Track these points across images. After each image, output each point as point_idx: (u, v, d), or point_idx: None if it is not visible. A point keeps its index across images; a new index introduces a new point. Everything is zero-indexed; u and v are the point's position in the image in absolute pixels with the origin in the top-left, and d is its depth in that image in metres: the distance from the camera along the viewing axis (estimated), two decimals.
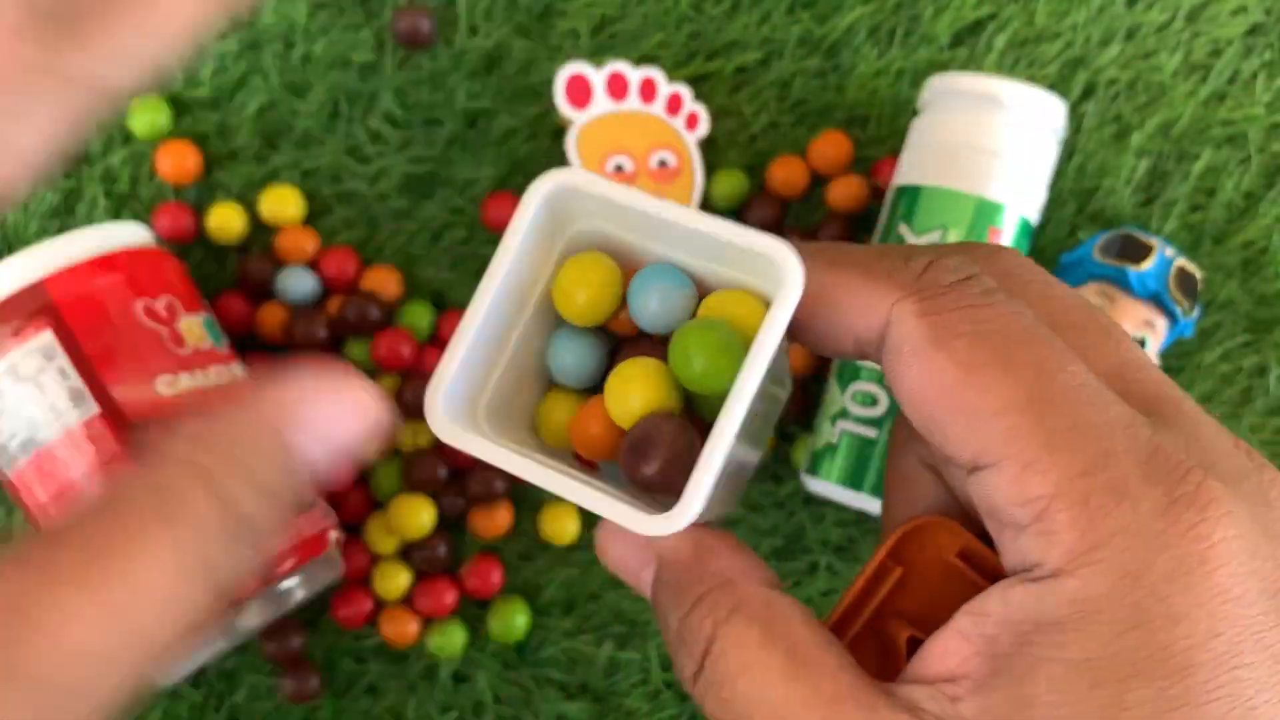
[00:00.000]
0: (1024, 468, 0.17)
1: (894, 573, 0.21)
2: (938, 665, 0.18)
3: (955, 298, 0.18)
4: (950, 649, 0.18)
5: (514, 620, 0.42)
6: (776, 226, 0.44)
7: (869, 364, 0.39)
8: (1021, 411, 0.17)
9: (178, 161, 0.43)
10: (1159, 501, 0.17)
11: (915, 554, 0.21)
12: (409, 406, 0.42)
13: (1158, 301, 0.40)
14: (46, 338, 0.36)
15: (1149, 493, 0.17)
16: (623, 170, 0.43)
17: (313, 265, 0.43)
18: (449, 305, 0.44)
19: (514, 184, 0.44)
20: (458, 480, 0.43)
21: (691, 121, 0.43)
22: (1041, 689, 0.17)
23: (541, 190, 0.21)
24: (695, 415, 0.21)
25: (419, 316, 0.43)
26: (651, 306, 0.20)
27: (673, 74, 0.43)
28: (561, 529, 0.43)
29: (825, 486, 0.40)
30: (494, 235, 0.43)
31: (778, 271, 0.19)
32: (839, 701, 0.18)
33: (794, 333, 0.20)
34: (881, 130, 0.44)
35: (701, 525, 0.20)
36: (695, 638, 0.19)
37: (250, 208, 0.44)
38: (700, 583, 0.20)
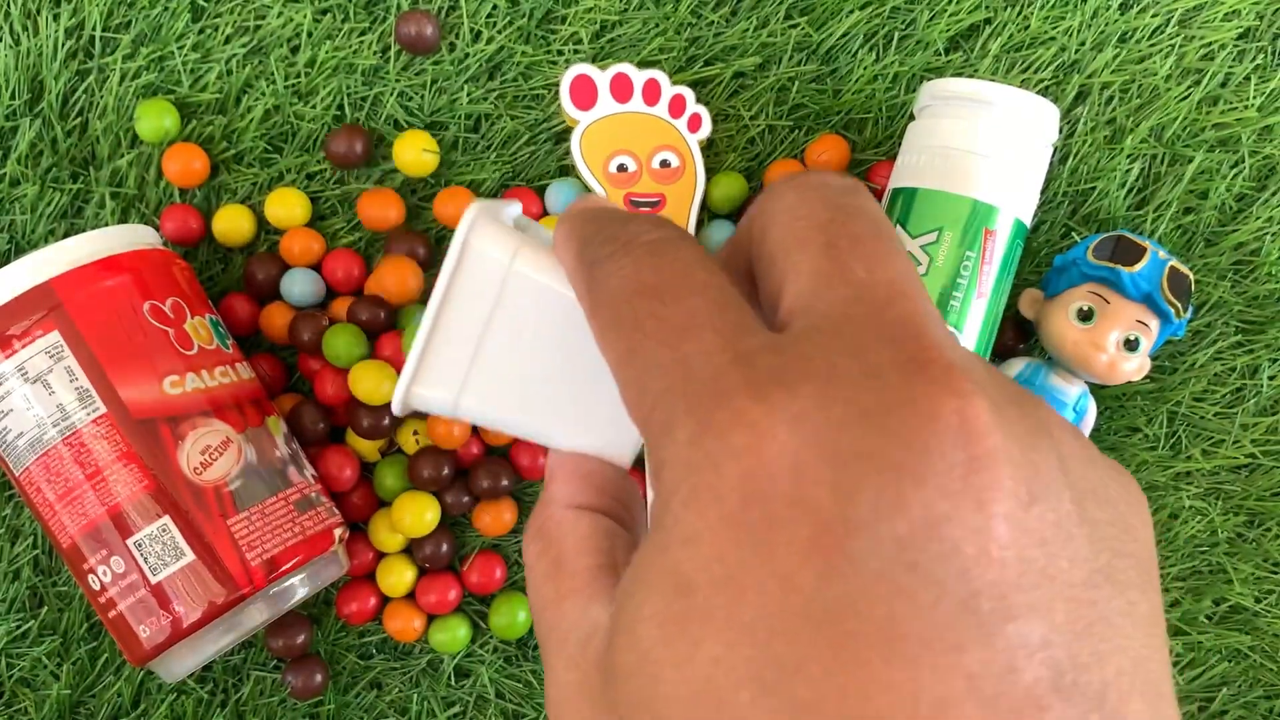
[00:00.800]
0: (631, 414, 0.18)
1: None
2: None
3: (604, 266, 0.20)
4: None
5: (515, 616, 0.43)
6: None
7: None
8: (624, 364, 0.18)
9: (185, 164, 0.43)
10: (690, 430, 0.17)
11: None
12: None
13: (1150, 303, 0.41)
14: (54, 338, 0.36)
15: (684, 421, 0.17)
16: (626, 170, 0.43)
17: (317, 267, 0.44)
18: None
19: (516, 187, 0.44)
20: (462, 478, 0.43)
21: (694, 123, 0.43)
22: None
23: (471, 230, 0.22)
24: None
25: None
26: None
27: (673, 79, 0.44)
28: None
29: None
30: None
31: None
32: (573, 593, 0.20)
33: None
34: (878, 134, 0.45)
35: (565, 454, 0.22)
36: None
37: (256, 210, 0.44)
38: (538, 504, 0.23)
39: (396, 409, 0.22)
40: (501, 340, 0.22)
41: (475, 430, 0.44)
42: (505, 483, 0.43)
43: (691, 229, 0.43)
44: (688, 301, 0.18)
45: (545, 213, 0.44)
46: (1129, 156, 0.45)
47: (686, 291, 0.18)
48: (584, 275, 0.20)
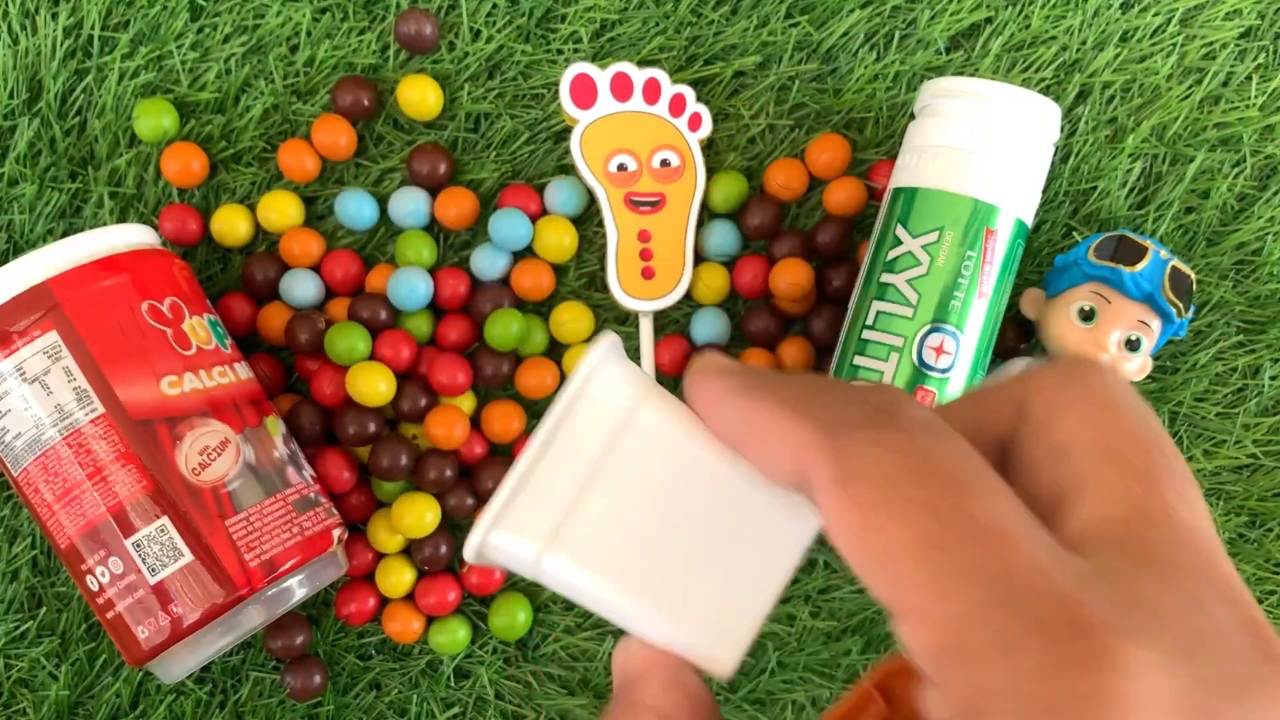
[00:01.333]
0: (919, 617, 0.16)
1: (874, 705, 0.19)
2: None
3: (864, 439, 0.17)
4: None
5: (515, 617, 0.43)
6: (775, 228, 0.44)
7: (869, 363, 0.39)
8: (917, 557, 0.16)
9: (183, 164, 0.43)
10: (1042, 660, 0.15)
11: (902, 691, 0.19)
12: (406, 413, 0.42)
13: (1152, 303, 0.41)
14: (52, 338, 0.36)
15: (1033, 648, 0.15)
16: (626, 169, 0.43)
17: (316, 268, 0.44)
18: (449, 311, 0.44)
19: (515, 185, 0.44)
20: (465, 480, 0.43)
21: (694, 122, 0.43)
22: None
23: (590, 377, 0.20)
24: None
25: (421, 321, 0.43)
26: None
27: (673, 78, 0.44)
28: None
29: None
30: (498, 239, 0.43)
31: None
32: None
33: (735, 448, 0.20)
34: (878, 133, 0.45)
35: (655, 649, 0.19)
36: None
37: (254, 210, 0.44)
38: (617, 707, 0.19)
39: (470, 557, 0.19)
40: (609, 495, 0.19)
41: (477, 427, 0.43)
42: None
43: (691, 229, 0.43)
44: (992, 502, 0.16)
45: (545, 211, 0.44)
46: (1130, 156, 0.45)
47: (988, 490, 0.17)
48: (825, 443, 0.17)
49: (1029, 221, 0.41)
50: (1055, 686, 0.15)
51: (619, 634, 0.43)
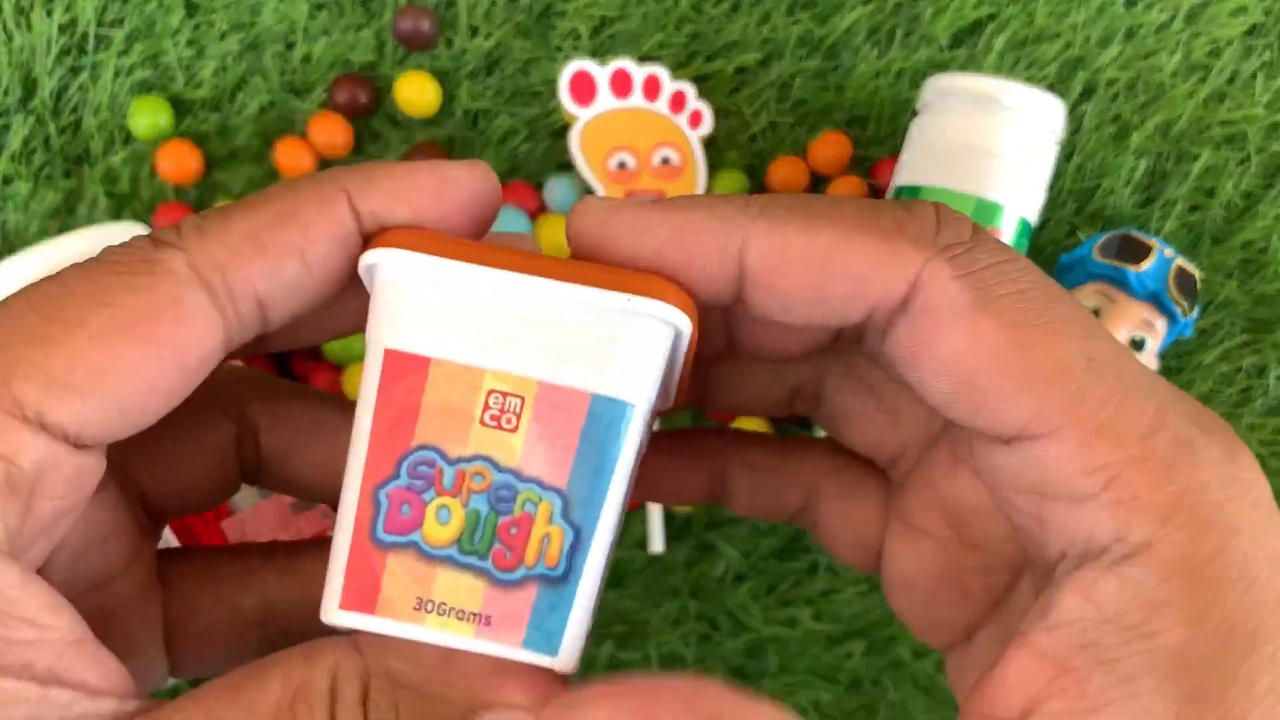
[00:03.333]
0: (1091, 433, 0.16)
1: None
2: (1015, 697, 0.16)
3: (984, 254, 0.17)
4: (1029, 673, 0.16)
5: None
6: None
7: None
8: (1083, 373, 0.16)
9: (179, 162, 0.43)
10: (1222, 446, 0.16)
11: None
12: None
13: (1157, 302, 0.40)
14: None
15: (1211, 440, 0.16)
16: (626, 167, 0.43)
17: None
18: None
19: (514, 182, 0.44)
20: None
21: (695, 119, 0.43)
22: (1149, 688, 0.15)
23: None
24: None
25: None
26: None
27: (673, 74, 0.43)
28: None
29: None
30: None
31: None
32: None
33: (772, 307, 0.19)
34: (881, 131, 0.44)
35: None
36: None
37: None
38: None
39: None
40: None
41: None
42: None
43: None
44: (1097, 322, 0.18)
45: (544, 209, 0.44)
46: (1135, 154, 0.45)
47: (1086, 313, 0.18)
48: (944, 263, 0.17)
49: (1033, 220, 0.41)
50: (1237, 469, 0.16)
51: (619, 638, 0.43)
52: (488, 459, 0.19)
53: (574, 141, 0.43)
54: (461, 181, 0.19)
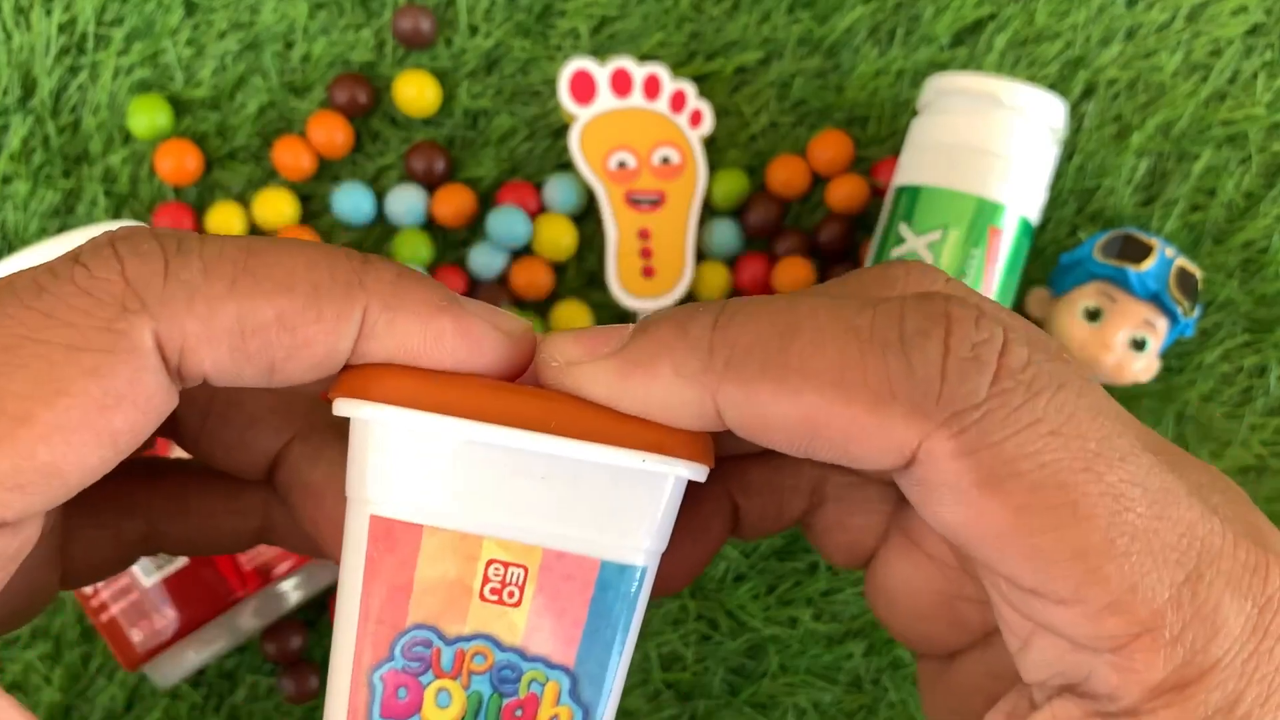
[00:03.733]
0: (1103, 609, 0.15)
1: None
2: None
3: (999, 424, 0.15)
4: None
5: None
6: (777, 226, 0.43)
7: None
8: (1100, 556, 0.15)
9: (178, 161, 0.43)
10: (1249, 617, 0.15)
11: None
12: None
13: (1158, 301, 0.40)
14: None
15: (1242, 610, 0.15)
16: (626, 167, 0.43)
17: None
18: None
19: (514, 182, 0.44)
20: None
21: (695, 119, 0.43)
22: None
23: None
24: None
25: None
26: None
27: (673, 74, 0.43)
28: None
29: None
30: (496, 237, 0.43)
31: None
32: None
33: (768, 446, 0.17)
34: (882, 130, 0.44)
35: None
36: None
37: (250, 208, 0.44)
38: None
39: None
40: None
41: None
42: None
43: (692, 227, 0.43)
44: (1136, 461, 0.16)
45: (544, 209, 0.44)
46: (1136, 153, 0.44)
47: (1126, 450, 0.15)
48: (945, 439, 0.15)
49: (1034, 220, 0.40)
50: (1259, 639, 0.15)
51: None
52: (489, 637, 0.17)
53: (574, 141, 0.42)
54: (489, 351, 0.17)
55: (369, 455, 0.17)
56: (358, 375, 0.17)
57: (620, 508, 0.17)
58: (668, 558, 0.19)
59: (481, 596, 0.17)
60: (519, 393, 0.17)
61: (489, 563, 0.17)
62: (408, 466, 0.17)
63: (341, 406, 0.17)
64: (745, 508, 0.22)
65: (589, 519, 0.17)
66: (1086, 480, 0.15)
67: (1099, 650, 0.15)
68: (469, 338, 0.16)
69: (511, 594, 0.17)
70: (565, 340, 0.17)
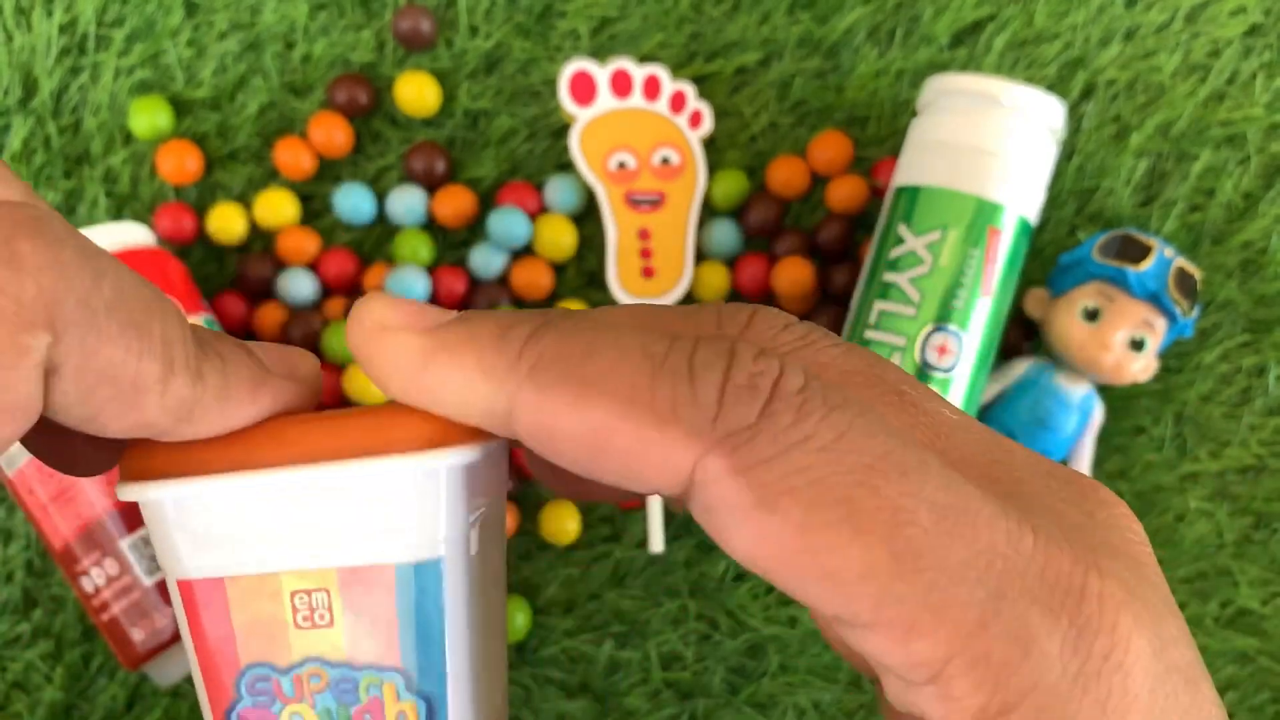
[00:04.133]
0: (906, 632, 0.15)
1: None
2: None
3: (769, 440, 0.15)
4: None
5: (514, 620, 0.43)
6: (776, 226, 0.44)
7: None
8: (888, 572, 0.15)
9: (178, 162, 0.43)
10: (1066, 636, 0.15)
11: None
12: None
13: (1157, 302, 0.40)
14: None
15: (1054, 629, 0.15)
16: (626, 167, 0.43)
17: (313, 266, 0.43)
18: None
19: (514, 182, 0.44)
20: None
21: (695, 120, 0.43)
22: None
23: None
24: None
25: None
26: None
27: (673, 75, 0.43)
28: (562, 529, 0.43)
29: None
30: (496, 238, 0.43)
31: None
32: None
33: (557, 461, 0.17)
34: (881, 130, 0.44)
35: None
36: None
37: (251, 208, 0.44)
38: None
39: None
40: None
41: None
42: (509, 485, 0.42)
43: (692, 227, 0.43)
44: (937, 480, 0.15)
45: (544, 209, 0.44)
46: (1135, 154, 0.45)
47: (927, 466, 0.15)
48: (719, 460, 0.15)
49: (1033, 220, 0.41)
50: (1083, 660, 0.15)
51: (618, 637, 0.43)
52: (317, 659, 0.19)
53: (574, 141, 0.43)
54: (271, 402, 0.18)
55: (153, 530, 0.19)
56: (128, 457, 0.19)
57: (396, 511, 0.18)
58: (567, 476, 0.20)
59: (296, 625, 0.19)
60: (265, 431, 0.18)
61: (292, 594, 0.19)
62: (188, 531, 0.18)
63: (122, 492, 0.19)
64: None
65: (369, 531, 0.18)
66: (863, 495, 0.15)
67: (920, 683, 0.15)
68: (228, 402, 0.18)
69: (322, 616, 0.19)
70: (385, 304, 0.17)
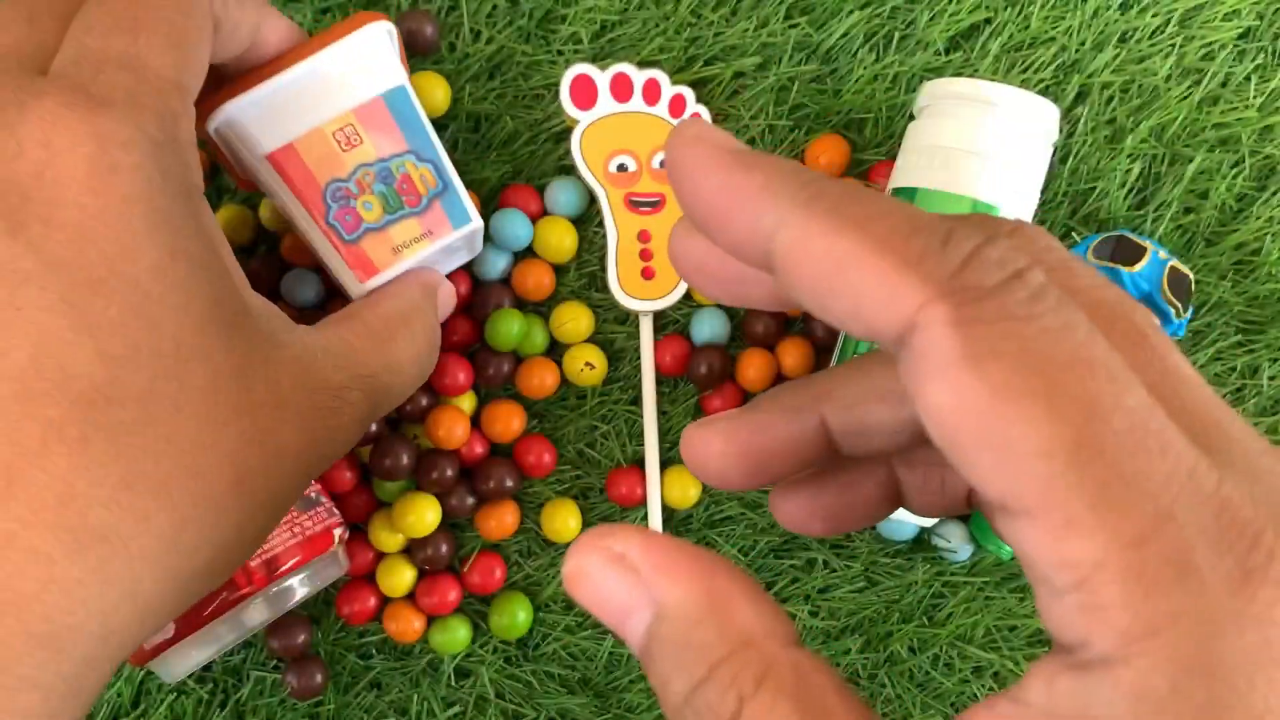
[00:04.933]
0: (1065, 524, 0.14)
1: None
2: None
3: (998, 306, 0.15)
4: None
5: (515, 617, 0.43)
6: None
7: None
8: (1067, 456, 0.14)
9: None
10: (1230, 575, 0.14)
11: None
12: (407, 413, 0.42)
13: (1151, 303, 0.41)
14: None
15: (1217, 564, 0.14)
16: (626, 170, 0.43)
17: (318, 269, 0.44)
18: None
19: (516, 185, 0.45)
20: (465, 480, 0.43)
21: None
22: None
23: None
24: None
25: None
26: None
27: (672, 79, 0.44)
28: (563, 526, 0.43)
29: None
30: (499, 240, 0.43)
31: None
32: None
33: (787, 290, 0.18)
34: (878, 134, 0.45)
35: (716, 565, 0.17)
36: (714, 712, 0.16)
37: (257, 211, 0.44)
38: (718, 643, 0.17)
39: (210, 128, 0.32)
40: None
41: (477, 427, 0.44)
42: (510, 484, 0.43)
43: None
44: (1136, 397, 0.15)
45: (545, 212, 0.44)
46: (1129, 156, 0.45)
47: (1131, 383, 0.15)
48: (946, 309, 0.15)
49: (1027, 221, 0.41)
50: (1244, 603, 0.14)
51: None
52: (361, 164, 0.32)
53: (575, 145, 0.43)
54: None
55: (240, 133, 0.32)
56: (208, 104, 0.31)
57: (371, 64, 0.33)
58: (826, 508, 0.24)
59: (342, 150, 0.32)
60: (281, 56, 0.32)
61: (333, 133, 0.32)
62: (259, 123, 0.31)
63: (212, 121, 0.31)
64: (905, 480, 0.23)
65: (357, 82, 0.32)
66: (1067, 380, 0.15)
67: (1066, 589, 0.15)
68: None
69: (356, 140, 0.32)
70: (704, 126, 0.20)
